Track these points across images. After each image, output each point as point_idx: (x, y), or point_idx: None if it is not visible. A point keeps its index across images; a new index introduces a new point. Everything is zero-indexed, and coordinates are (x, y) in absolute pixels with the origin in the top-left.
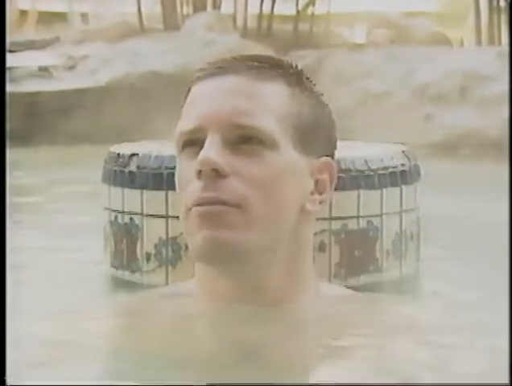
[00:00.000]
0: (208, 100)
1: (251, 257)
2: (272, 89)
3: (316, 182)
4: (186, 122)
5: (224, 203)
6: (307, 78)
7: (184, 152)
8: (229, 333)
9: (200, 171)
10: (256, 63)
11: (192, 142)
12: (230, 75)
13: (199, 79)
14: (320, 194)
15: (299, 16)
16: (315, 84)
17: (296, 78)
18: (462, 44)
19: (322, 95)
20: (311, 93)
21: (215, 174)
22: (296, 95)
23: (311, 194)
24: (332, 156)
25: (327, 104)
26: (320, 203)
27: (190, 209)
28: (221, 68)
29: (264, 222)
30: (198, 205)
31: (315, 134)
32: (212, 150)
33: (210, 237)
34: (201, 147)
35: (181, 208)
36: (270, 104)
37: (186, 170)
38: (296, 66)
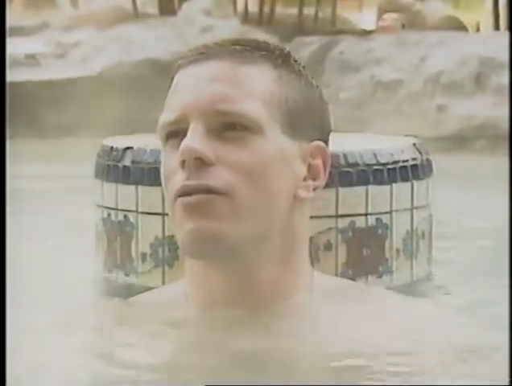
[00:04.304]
0: (189, 89)
1: (241, 249)
2: (256, 73)
3: (309, 167)
4: (168, 113)
5: (209, 191)
6: (295, 60)
7: (168, 144)
8: (223, 337)
9: (183, 161)
10: (238, 47)
11: (176, 133)
12: (212, 60)
13: (180, 67)
14: (314, 179)
15: None
16: (304, 67)
17: (282, 60)
18: (478, 29)
19: (313, 78)
20: (299, 76)
21: (199, 163)
22: (283, 77)
23: (304, 180)
24: (325, 140)
25: (317, 86)
26: (314, 189)
27: (175, 201)
28: (203, 54)
29: (253, 210)
30: (182, 195)
31: (305, 118)
32: (195, 139)
33: (195, 230)
34: (184, 137)
35: (167, 203)
36: (254, 89)
37: (171, 161)
38: (283, 48)
